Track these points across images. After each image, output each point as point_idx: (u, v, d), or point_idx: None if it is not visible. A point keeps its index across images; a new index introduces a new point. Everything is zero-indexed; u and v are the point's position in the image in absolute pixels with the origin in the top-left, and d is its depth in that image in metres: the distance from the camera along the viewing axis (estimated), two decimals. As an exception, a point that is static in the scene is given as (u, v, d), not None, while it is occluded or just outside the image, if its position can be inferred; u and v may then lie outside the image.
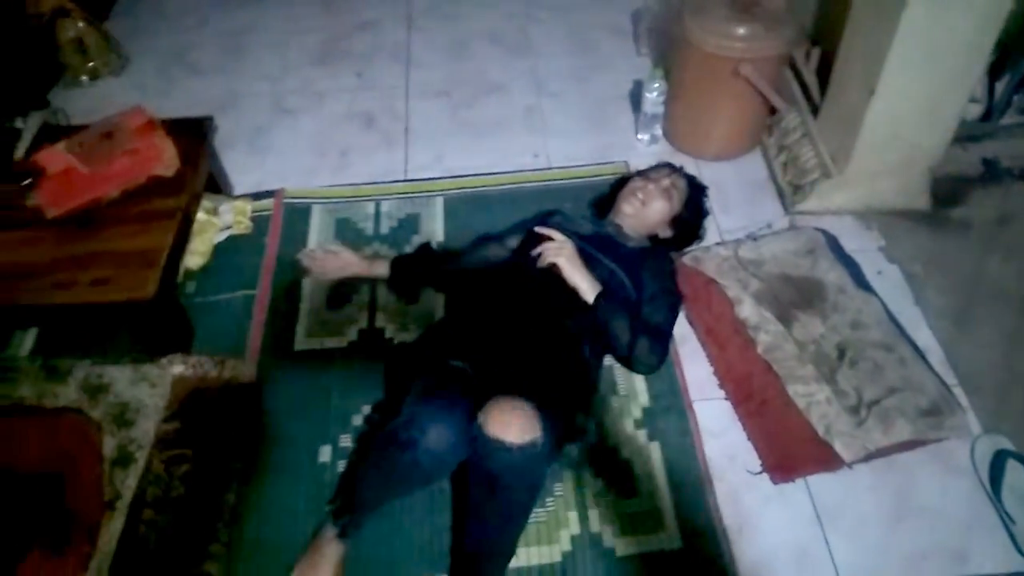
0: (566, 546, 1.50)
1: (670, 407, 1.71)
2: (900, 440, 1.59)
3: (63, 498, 1.45)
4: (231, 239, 2.07)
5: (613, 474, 1.61)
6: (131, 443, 1.60)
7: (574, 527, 1.53)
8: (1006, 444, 1.60)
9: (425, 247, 1.97)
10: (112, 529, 1.47)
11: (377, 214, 2.15)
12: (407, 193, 2.21)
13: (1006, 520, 1.51)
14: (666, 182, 1.82)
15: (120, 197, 1.77)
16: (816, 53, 2.18)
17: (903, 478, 1.59)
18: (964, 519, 1.53)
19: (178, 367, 1.75)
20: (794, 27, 2.09)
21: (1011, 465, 1.56)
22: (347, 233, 2.11)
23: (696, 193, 1.87)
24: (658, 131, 2.32)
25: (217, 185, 2.13)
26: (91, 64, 2.56)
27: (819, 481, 1.58)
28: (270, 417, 1.70)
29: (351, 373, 1.78)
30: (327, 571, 1.42)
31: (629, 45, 2.72)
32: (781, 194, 2.16)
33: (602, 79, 2.58)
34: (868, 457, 1.59)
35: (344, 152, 2.35)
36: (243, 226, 2.09)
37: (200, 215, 1.98)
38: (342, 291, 1.94)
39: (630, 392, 1.74)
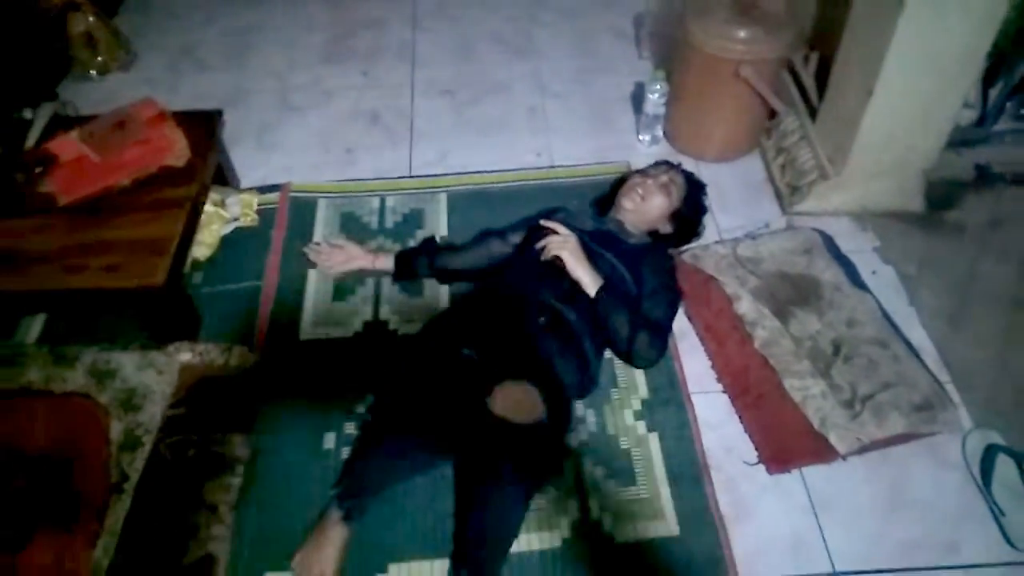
0: (566, 532, 1.53)
1: (669, 399, 1.74)
2: (893, 433, 1.62)
3: (71, 478, 1.48)
4: (237, 231, 2.10)
5: (612, 463, 1.64)
6: (138, 427, 1.63)
7: (574, 514, 1.55)
8: (997, 439, 1.64)
9: (429, 241, 2.01)
10: (119, 510, 1.50)
11: (382, 209, 2.19)
12: (411, 189, 2.25)
13: (996, 512, 1.54)
14: (664, 178, 1.86)
15: (131, 186, 1.80)
16: (815, 57, 2.23)
17: (896, 471, 1.62)
18: (955, 511, 1.56)
19: (185, 354, 1.78)
20: (793, 31, 2.13)
21: (1001, 459, 1.59)
22: (352, 227, 2.14)
23: (695, 189, 1.90)
24: (659, 132, 2.36)
25: (224, 178, 2.16)
26: (100, 58, 2.59)
27: (814, 472, 1.62)
28: (275, 404, 1.73)
29: (356, 362, 1.81)
30: (331, 554, 1.45)
31: (631, 48, 2.76)
32: (779, 195, 2.20)
33: (604, 81, 2.63)
34: (862, 450, 1.62)
35: (350, 149, 2.39)
36: (249, 219, 2.12)
37: (207, 207, 2.01)
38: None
39: (629, 385, 1.78)
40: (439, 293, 1.97)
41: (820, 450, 1.62)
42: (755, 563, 1.48)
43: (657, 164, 1.94)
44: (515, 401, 1.26)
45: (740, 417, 1.71)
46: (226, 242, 2.07)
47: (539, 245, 1.74)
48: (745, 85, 2.09)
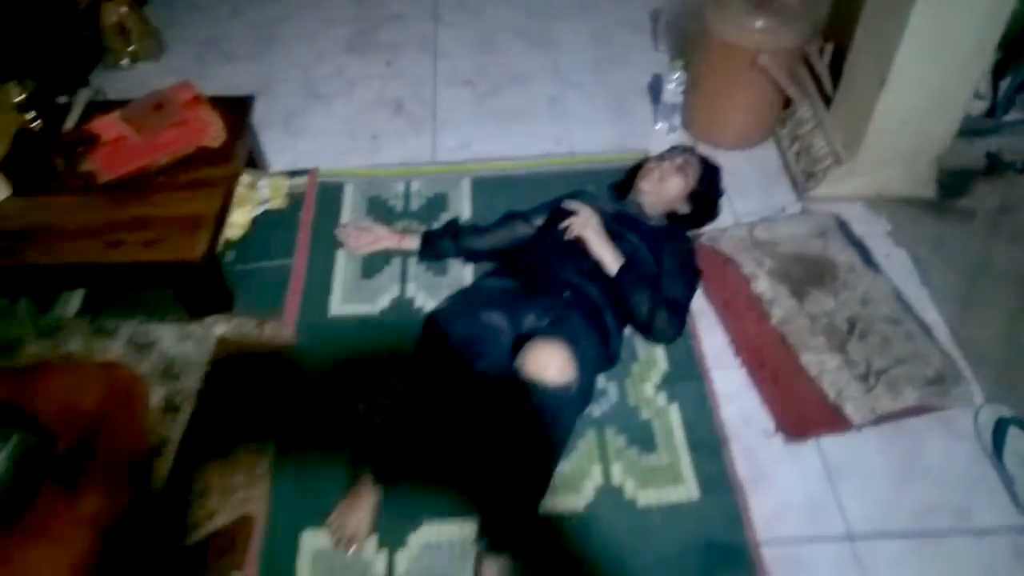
0: (589, 496, 1.59)
1: (688, 374, 1.80)
2: (907, 405, 1.68)
3: (113, 442, 1.54)
4: (267, 213, 2.16)
5: (634, 432, 1.69)
6: (177, 395, 1.69)
7: (597, 479, 1.61)
8: (1008, 413, 1.69)
9: (454, 223, 2.07)
10: (161, 471, 1.56)
11: (407, 193, 2.25)
12: (435, 174, 2.31)
13: (1007, 480, 1.59)
14: (680, 160, 1.91)
15: (169, 165, 1.87)
16: (829, 49, 2.29)
17: (909, 442, 1.67)
18: (967, 479, 1.61)
19: (221, 327, 1.84)
20: (809, 21, 2.19)
21: (1012, 432, 1.64)
22: (378, 210, 2.20)
23: (710, 171, 1.96)
24: (676, 121, 2.42)
25: (255, 162, 2.23)
26: (131, 48, 2.66)
27: (829, 442, 1.67)
28: (309, 375, 1.79)
29: (384, 337, 1.87)
30: (364, 514, 1.51)
31: (647, 41, 2.83)
32: (794, 181, 2.25)
33: (622, 72, 2.69)
34: (876, 421, 1.67)
35: (375, 136, 2.45)
36: (279, 201, 2.19)
37: (239, 189, 2.08)
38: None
39: (650, 360, 1.83)
40: (463, 272, 2.03)
41: (835, 421, 1.68)
42: (773, 526, 1.54)
43: (673, 149, 2.00)
44: (547, 357, 1.31)
45: (758, 390, 1.76)
46: (257, 223, 2.13)
47: (562, 225, 1.80)
48: (762, 74, 2.15)
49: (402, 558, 1.50)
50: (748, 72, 2.15)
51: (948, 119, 2.04)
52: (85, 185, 1.84)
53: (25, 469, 1.37)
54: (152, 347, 1.79)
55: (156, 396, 1.68)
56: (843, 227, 2.09)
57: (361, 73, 2.71)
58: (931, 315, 1.91)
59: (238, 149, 1.97)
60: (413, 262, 2.04)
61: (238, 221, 2.09)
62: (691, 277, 1.86)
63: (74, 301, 1.99)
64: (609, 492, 1.60)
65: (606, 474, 1.62)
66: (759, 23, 2.08)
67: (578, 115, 2.53)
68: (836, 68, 2.22)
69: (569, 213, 1.80)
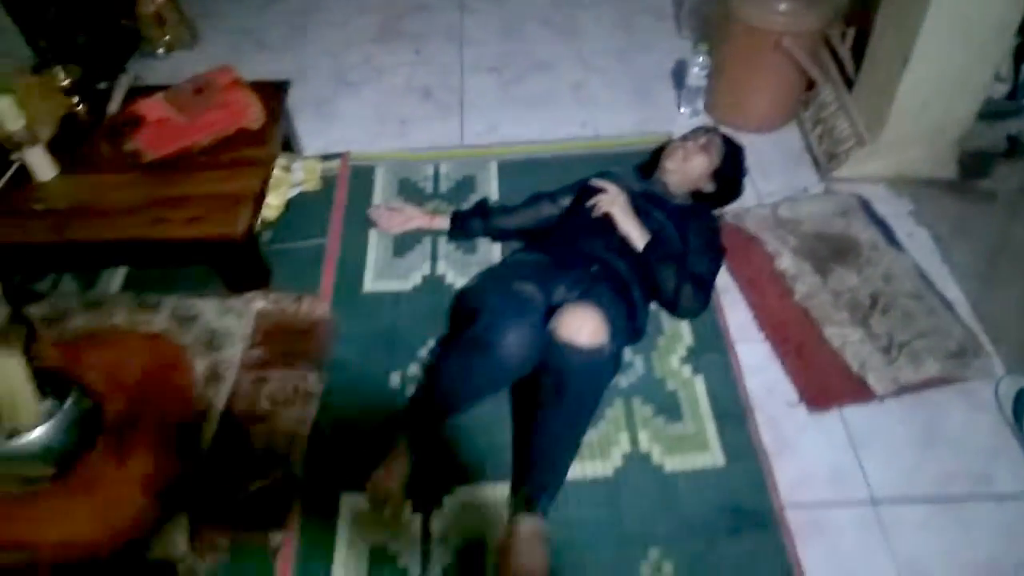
0: (618, 462, 1.64)
1: (713, 347, 1.85)
2: (928, 377, 1.72)
3: (162, 407, 1.61)
4: (302, 195, 2.23)
5: (660, 402, 1.74)
6: (220, 364, 1.76)
7: (625, 446, 1.66)
8: (1029, 384, 1.73)
9: (483, 203, 2.12)
10: (207, 435, 1.63)
11: (436, 175, 2.31)
12: (464, 157, 2.37)
13: (1029, 448, 1.63)
14: (703, 139, 1.95)
15: (210, 146, 1.94)
16: (851, 33, 2.32)
17: (931, 412, 1.71)
18: (988, 447, 1.65)
19: (259, 302, 1.91)
20: (831, 5, 2.23)
21: (1034, 403, 1.68)
22: (408, 192, 2.26)
23: (733, 150, 1.99)
24: (700, 105, 2.46)
25: (290, 145, 2.29)
26: (167, 37, 2.75)
27: (852, 412, 1.71)
28: (343, 347, 1.85)
29: (416, 311, 1.93)
30: (400, 477, 1.57)
31: (670, 28, 2.88)
32: (817, 163, 2.29)
33: (645, 58, 2.74)
34: (898, 391, 1.71)
35: (403, 121, 2.52)
36: (313, 183, 2.26)
37: (275, 171, 2.14)
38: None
39: (675, 334, 1.88)
40: (492, 250, 2.08)
41: (858, 391, 1.72)
42: (797, 491, 1.58)
43: (696, 129, 2.04)
44: (580, 320, 1.37)
45: (781, 362, 1.80)
46: (292, 204, 2.20)
47: (590, 202, 1.85)
48: (785, 57, 2.19)
49: (437, 519, 1.56)
50: (771, 55, 2.19)
51: (969, 100, 2.08)
52: (130, 164, 1.91)
53: (78, 430, 1.45)
54: (194, 320, 1.86)
55: (200, 366, 1.75)
56: (865, 207, 2.12)
57: (389, 61, 2.78)
58: (952, 291, 1.94)
59: (275, 131, 2.04)
60: (443, 241, 2.10)
61: (274, 202, 2.15)
62: (716, 254, 1.90)
63: (116, 279, 2.06)
64: (636, 458, 1.65)
65: (633, 441, 1.67)
66: (782, 6, 2.12)
67: (602, 100, 2.58)
68: (858, 52, 2.25)
69: (597, 191, 1.85)
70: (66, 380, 1.48)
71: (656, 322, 1.89)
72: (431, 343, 1.86)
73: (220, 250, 1.83)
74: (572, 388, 1.39)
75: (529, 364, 1.46)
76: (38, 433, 1.38)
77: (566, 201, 2.00)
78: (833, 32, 2.35)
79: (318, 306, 1.92)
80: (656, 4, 2.99)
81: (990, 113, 2.30)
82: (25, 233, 1.78)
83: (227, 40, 2.88)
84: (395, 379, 1.79)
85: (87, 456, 1.47)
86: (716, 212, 2.06)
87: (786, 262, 1.95)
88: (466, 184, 2.28)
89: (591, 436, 1.66)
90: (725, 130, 2.29)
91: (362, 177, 2.30)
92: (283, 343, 1.83)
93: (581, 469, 1.61)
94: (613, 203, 1.81)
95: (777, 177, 2.26)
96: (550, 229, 1.96)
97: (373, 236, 2.13)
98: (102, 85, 2.26)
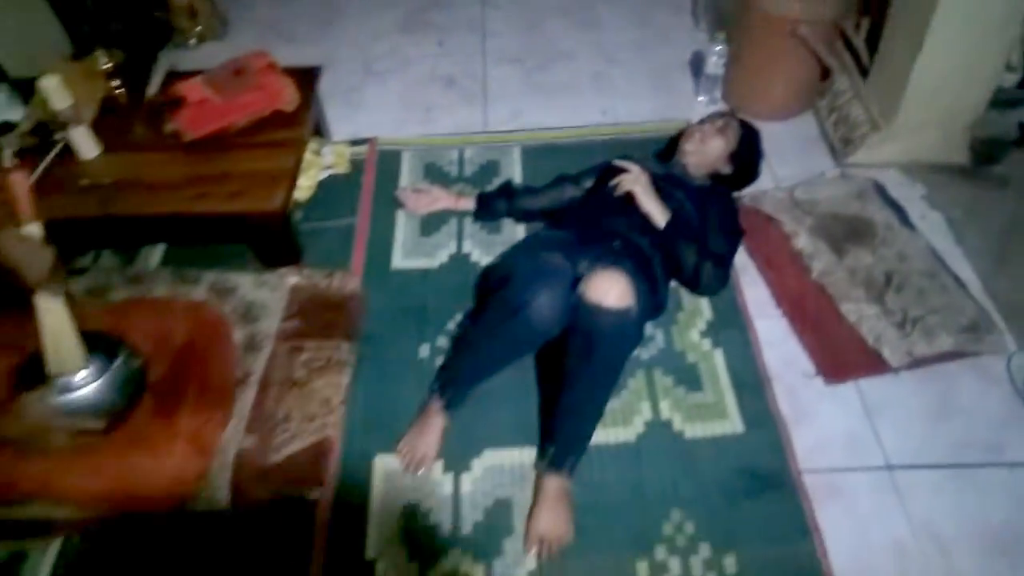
0: (640, 429, 1.70)
1: (732, 322, 1.91)
2: (942, 350, 1.77)
3: (206, 371, 1.68)
4: (331, 177, 2.31)
5: (681, 373, 1.80)
6: (257, 334, 1.83)
7: (647, 414, 1.73)
8: (1041, 359, 1.78)
9: (507, 184, 2.19)
10: (245, 399, 1.70)
11: (461, 159, 2.39)
12: (487, 142, 2.45)
13: (1039, 419, 1.68)
14: (720, 122, 2.01)
15: (247, 126, 2.01)
16: (865, 23, 2.38)
17: (945, 384, 1.76)
18: (1000, 419, 1.70)
19: (293, 277, 1.98)
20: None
21: (1045, 377, 1.73)
22: (434, 175, 2.34)
23: (750, 132, 2.05)
24: (717, 93, 2.53)
25: (320, 130, 2.37)
26: (199, 28, 2.83)
27: (868, 384, 1.76)
28: (374, 320, 1.92)
29: (443, 287, 2.00)
30: (432, 439, 1.64)
31: (687, 20, 2.95)
32: (832, 149, 2.35)
33: (663, 50, 2.81)
34: (912, 364, 1.76)
35: (428, 109, 2.60)
36: (342, 167, 2.33)
37: (306, 155, 2.22)
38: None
39: (694, 310, 1.94)
40: (516, 231, 2.15)
41: (874, 364, 1.77)
42: (814, 457, 1.64)
43: (713, 114, 2.09)
44: (608, 283, 1.43)
45: (799, 337, 1.86)
46: (322, 186, 2.27)
47: (612, 182, 1.91)
48: (801, 45, 2.25)
49: (466, 479, 1.62)
50: (788, 43, 2.25)
51: (980, 87, 2.13)
52: (171, 144, 1.99)
53: (127, 388, 1.52)
54: (232, 293, 1.93)
55: (238, 335, 1.82)
56: (880, 190, 2.18)
57: (414, 52, 2.86)
58: (965, 271, 1.99)
59: (309, 113, 2.11)
60: (469, 221, 2.17)
61: (305, 184, 2.23)
62: (734, 234, 1.95)
63: (154, 257, 2.14)
64: (658, 425, 1.71)
65: (655, 409, 1.73)
66: (799, -6, 2.19)
67: (622, 89, 2.65)
68: (872, 43, 2.31)
69: (620, 171, 1.91)
70: (114, 341, 1.55)
71: (676, 298, 1.95)
72: (458, 317, 1.92)
73: (257, 225, 1.91)
74: (600, 348, 1.45)
75: (557, 327, 1.52)
76: (90, 389, 1.45)
77: (589, 183, 2.06)
78: (848, 22, 2.41)
79: (349, 281, 1.99)
80: (673, -1, 3.07)
81: (1001, 101, 2.34)
82: (71, 208, 1.85)
83: (256, 32, 2.96)
84: (424, 350, 1.86)
85: (135, 413, 1.54)
86: (734, 195, 2.12)
87: (803, 241, 2.01)
88: (490, 168, 2.35)
89: (614, 404, 1.73)
90: (742, 117, 2.36)
91: (389, 161, 2.38)
92: (317, 316, 1.90)
93: (604, 435, 1.68)
94: (635, 182, 1.87)
95: (793, 162, 2.32)
96: (573, 209, 2.02)
97: (401, 216, 2.20)
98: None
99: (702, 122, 2.05)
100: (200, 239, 2.08)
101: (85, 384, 1.46)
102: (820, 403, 1.74)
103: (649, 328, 1.88)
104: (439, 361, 1.83)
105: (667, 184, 1.95)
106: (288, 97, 2.05)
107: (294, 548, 1.52)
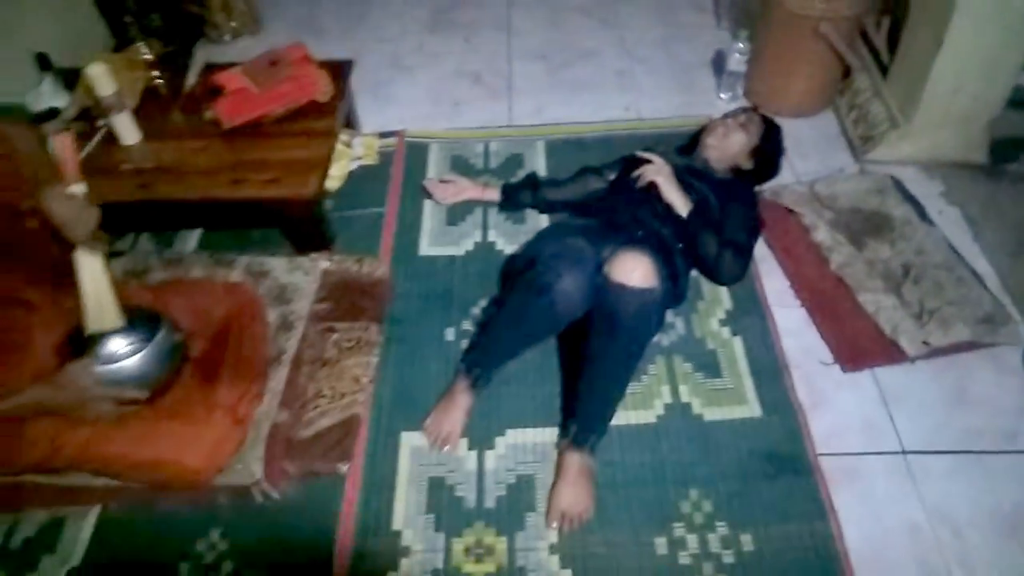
0: (660, 411, 1.75)
1: (751, 311, 1.95)
2: (958, 340, 1.80)
3: (242, 348, 1.74)
4: (361, 168, 2.38)
5: (700, 359, 1.85)
6: (290, 315, 1.90)
7: (667, 398, 1.77)
8: (1056, 351, 1.81)
9: (532, 176, 2.24)
10: (279, 377, 1.76)
11: (486, 152, 2.45)
12: (512, 136, 2.51)
13: (1053, 409, 1.71)
14: (743, 117, 2.05)
15: (283, 115, 2.08)
16: (886, 22, 2.42)
17: (960, 374, 1.80)
18: (1015, 408, 1.73)
19: (324, 262, 2.05)
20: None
21: (1060, 368, 1.76)
22: (460, 167, 2.40)
23: (772, 128, 2.09)
24: (739, 90, 2.57)
25: (350, 122, 2.44)
26: (233, 24, 2.92)
27: (885, 372, 1.80)
28: (402, 304, 1.98)
29: (469, 274, 2.06)
30: (458, 416, 1.70)
31: (710, 19, 3.00)
32: (852, 146, 2.39)
33: (686, 48, 2.87)
34: (929, 354, 1.80)
35: (455, 103, 2.66)
36: (371, 158, 2.40)
37: (337, 146, 2.29)
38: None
39: (714, 299, 1.99)
40: (540, 221, 2.21)
41: (891, 353, 1.81)
42: (830, 441, 1.68)
43: (736, 109, 2.14)
44: (633, 263, 1.48)
45: (817, 326, 1.90)
46: (352, 177, 2.34)
47: (635, 173, 1.96)
48: (823, 43, 2.29)
49: (490, 457, 1.68)
50: (810, 41, 2.29)
51: (999, 86, 2.16)
52: (209, 131, 2.06)
53: (168, 361, 1.58)
54: (266, 275, 2.00)
55: (272, 316, 1.89)
56: (899, 186, 2.21)
57: (442, 48, 2.93)
58: (982, 266, 2.03)
59: (341, 104, 2.18)
60: (494, 212, 2.23)
61: (336, 174, 2.30)
62: (754, 226, 2.00)
63: (191, 241, 2.21)
64: (677, 408, 1.76)
65: (675, 393, 1.78)
66: (821, -8, 2.24)
67: (644, 86, 2.70)
68: (892, 42, 2.35)
69: (643, 162, 1.97)
70: (156, 316, 1.61)
71: (696, 287, 2.00)
72: (483, 302, 1.98)
73: (291, 211, 1.97)
74: (624, 327, 1.50)
75: (582, 307, 1.57)
76: (134, 360, 1.51)
77: (612, 175, 2.11)
78: (869, 21, 2.45)
79: (378, 267, 2.06)
80: (696, -1, 3.13)
81: (1019, 101, 2.37)
82: (113, 191, 1.92)
83: (288, 28, 3.04)
84: (450, 333, 1.92)
85: (176, 386, 1.61)
86: (754, 189, 2.17)
87: (822, 234, 2.05)
88: (514, 161, 2.41)
89: (635, 388, 1.78)
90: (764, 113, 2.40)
91: (417, 153, 2.44)
92: (347, 299, 1.96)
93: (625, 417, 1.73)
94: (658, 172, 1.92)
95: (814, 159, 2.36)
96: (597, 200, 2.07)
97: (428, 206, 2.26)
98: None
99: (725, 117, 2.09)
100: (235, 224, 2.15)
101: (129, 355, 1.52)
102: (837, 390, 1.78)
103: (670, 316, 1.92)
104: (464, 344, 1.88)
105: (689, 176, 1.99)
106: (322, 88, 2.12)
107: (324, 518, 1.59)
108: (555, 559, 1.52)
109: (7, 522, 1.61)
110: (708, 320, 1.94)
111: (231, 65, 2.17)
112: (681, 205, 1.89)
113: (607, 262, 1.53)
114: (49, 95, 2.12)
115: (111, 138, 2.03)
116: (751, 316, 1.94)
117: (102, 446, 1.53)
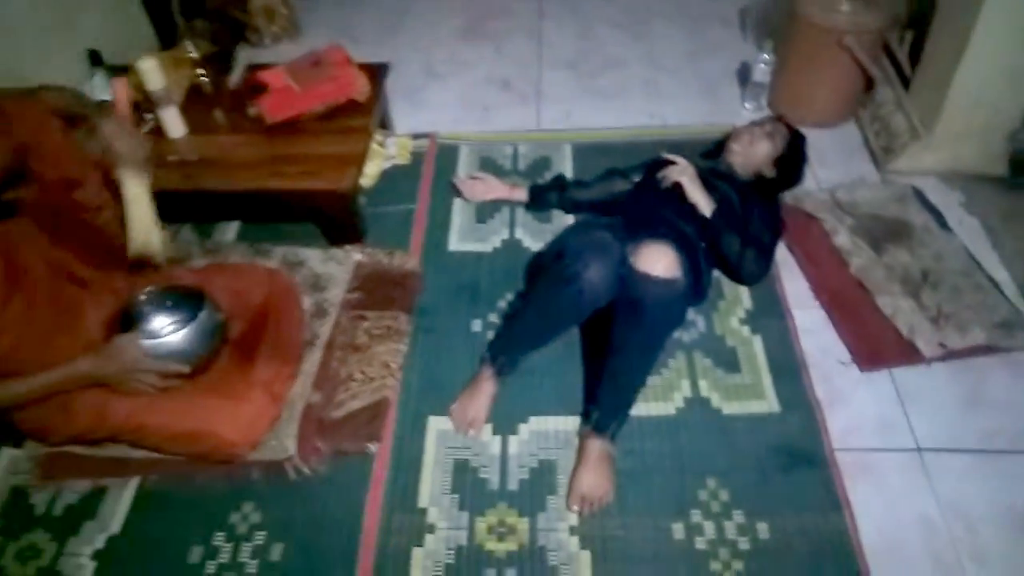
0: (679, 404, 1.80)
1: (770, 311, 2.00)
2: (975, 344, 1.83)
3: (279, 330, 1.82)
4: (394, 167, 2.46)
5: (720, 356, 1.90)
6: (324, 302, 1.98)
7: (686, 391, 1.82)
8: (1072, 357, 1.83)
9: (559, 177, 2.31)
10: (312, 359, 1.84)
11: (515, 154, 2.52)
12: (540, 140, 2.59)
13: (1069, 412, 1.73)
14: (769, 127, 2.10)
15: (323, 113, 2.18)
16: (909, 36, 2.47)
17: (976, 376, 1.83)
18: (1031, 411, 1.77)
19: (357, 254, 2.13)
20: (891, 5, 2.38)
21: (1076, 373, 1.79)
22: (489, 168, 2.47)
23: (797, 138, 2.14)
24: (763, 101, 2.63)
25: (385, 124, 2.53)
26: (274, 29, 3.03)
27: (901, 372, 1.84)
28: (430, 296, 2.05)
29: (496, 269, 2.13)
30: (483, 403, 1.76)
31: (736, 34, 3.07)
32: (874, 156, 2.43)
33: (712, 60, 2.93)
34: (945, 356, 1.83)
35: (486, 108, 2.75)
36: (404, 158, 2.48)
37: (372, 145, 2.37)
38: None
39: (735, 298, 2.03)
40: (566, 221, 2.27)
41: (908, 354, 1.85)
42: (847, 438, 1.71)
43: (764, 118, 2.19)
44: (657, 253, 1.54)
45: (836, 326, 1.94)
46: (384, 175, 2.43)
47: (660, 174, 2.02)
48: (847, 55, 2.35)
49: (513, 442, 1.74)
50: (833, 52, 2.35)
51: (1020, 99, 2.20)
52: (251, 127, 2.16)
53: (210, 338, 1.66)
54: (302, 265, 2.08)
55: (307, 302, 1.97)
56: (919, 195, 2.25)
57: (473, 56, 3.02)
58: (1000, 274, 2.05)
59: (378, 104, 2.28)
60: (521, 211, 2.30)
61: (369, 172, 2.38)
62: (777, 226, 2.05)
63: (230, 234, 2.30)
64: (697, 401, 1.80)
65: (694, 387, 1.83)
66: (845, 5, 2.30)
67: (671, 96, 2.77)
68: (915, 56, 2.40)
69: (668, 163, 2.03)
70: (200, 295, 1.69)
71: (717, 287, 2.05)
72: (509, 296, 2.04)
73: (328, 203, 2.06)
74: (647, 315, 1.56)
75: (606, 297, 1.63)
76: (178, 336, 1.59)
77: (637, 177, 2.16)
78: (892, 34, 2.51)
79: (408, 260, 2.13)
80: (723, 13, 3.19)
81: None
82: (160, 181, 2.00)
83: (326, 34, 3.14)
84: (476, 325, 1.98)
85: (216, 363, 1.68)
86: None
87: (843, 239, 2.09)
88: (542, 163, 2.48)
89: (655, 381, 1.83)
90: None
91: (447, 154, 2.52)
92: (378, 289, 2.04)
93: (646, 409, 1.78)
94: (683, 173, 1.97)
95: (835, 167, 2.41)
96: (622, 200, 2.13)
97: (457, 204, 2.34)
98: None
99: (752, 124, 2.14)
100: (273, 217, 2.24)
101: (173, 331, 1.60)
102: (854, 389, 1.82)
103: (690, 314, 1.97)
104: (490, 335, 1.94)
105: (713, 177, 2.05)
106: (361, 88, 2.21)
107: (353, 495, 1.65)
108: (575, 540, 1.57)
109: (51, 490, 1.69)
110: (728, 318, 1.98)
111: (272, 66, 2.27)
112: (704, 205, 1.94)
113: (632, 253, 1.59)
114: (100, 89, 2.23)
115: (158, 131, 2.14)
116: (771, 316, 1.98)
117: (144, 417, 1.61)
